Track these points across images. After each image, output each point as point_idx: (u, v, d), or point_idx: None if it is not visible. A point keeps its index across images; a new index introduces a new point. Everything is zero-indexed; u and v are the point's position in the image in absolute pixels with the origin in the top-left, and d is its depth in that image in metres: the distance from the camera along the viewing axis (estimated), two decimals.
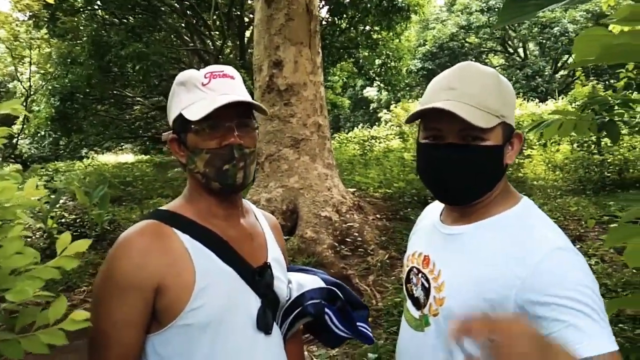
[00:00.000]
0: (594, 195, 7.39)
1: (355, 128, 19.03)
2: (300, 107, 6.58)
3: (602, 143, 8.29)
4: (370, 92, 24.74)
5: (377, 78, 15.13)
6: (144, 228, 1.13)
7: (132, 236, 1.11)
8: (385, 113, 17.43)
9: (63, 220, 6.90)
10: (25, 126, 14.85)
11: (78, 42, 12.44)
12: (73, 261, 0.89)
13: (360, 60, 14.10)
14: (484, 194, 1.09)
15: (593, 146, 8.46)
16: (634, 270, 4.51)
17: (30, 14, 12.86)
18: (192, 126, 1.13)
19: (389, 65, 14.62)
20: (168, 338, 1.08)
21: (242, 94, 1.17)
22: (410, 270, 1.21)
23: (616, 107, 2.25)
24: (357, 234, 6.04)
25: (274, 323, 1.23)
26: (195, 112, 1.11)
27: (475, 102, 1.02)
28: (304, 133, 6.58)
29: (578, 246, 5.55)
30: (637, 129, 2.09)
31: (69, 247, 0.90)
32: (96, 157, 19.57)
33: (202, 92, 1.14)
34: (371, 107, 24.82)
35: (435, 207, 1.31)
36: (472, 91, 1.03)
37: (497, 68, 22.98)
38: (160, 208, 1.22)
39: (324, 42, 11.57)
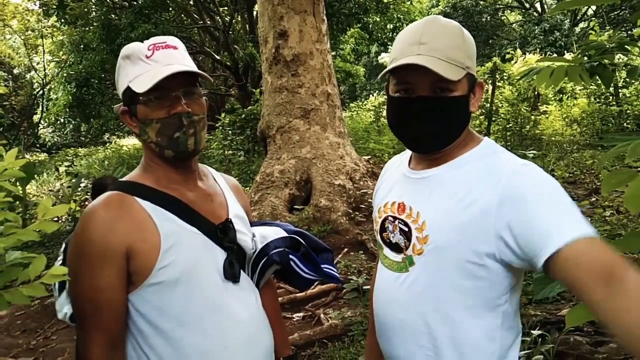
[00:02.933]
0: (611, 147, 7.23)
1: (371, 96, 18.84)
2: (308, 77, 6.57)
3: (621, 94, 8.07)
4: (386, 58, 24.35)
5: (390, 43, 14.87)
6: (107, 199, 1.19)
7: (97, 208, 1.18)
8: None
9: (86, 202, 7.12)
10: (45, 114, 15.15)
11: (89, 27, 12.55)
12: (53, 225, 0.95)
13: (370, 26, 13.87)
14: (453, 141, 1.16)
15: (611, 98, 8.24)
16: None
17: (40, 2, 12.97)
18: (140, 98, 1.18)
19: (401, 29, 14.33)
20: (143, 296, 1.17)
21: (186, 64, 1.20)
22: (385, 219, 1.26)
23: (612, 51, 2.21)
24: (371, 200, 6.05)
25: (244, 273, 1.31)
26: (141, 84, 1.15)
27: (445, 55, 1.07)
28: (314, 103, 6.58)
29: (594, 199, 5.49)
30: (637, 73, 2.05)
31: (49, 211, 0.96)
32: (118, 141, 19.92)
33: (146, 64, 1.18)
34: (385, 93, 24.50)
35: (398, 161, 1.36)
36: (441, 45, 1.08)
37: (513, 25, 22.34)
38: (121, 179, 1.30)
39: (332, 9, 11.41)
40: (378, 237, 1.31)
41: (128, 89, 1.19)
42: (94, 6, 12.80)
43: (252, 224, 1.46)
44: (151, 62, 1.19)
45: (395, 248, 1.22)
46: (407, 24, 14.08)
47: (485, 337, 1.11)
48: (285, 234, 1.47)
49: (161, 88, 1.15)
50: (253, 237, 1.40)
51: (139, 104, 1.20)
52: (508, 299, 1.12)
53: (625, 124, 7.77)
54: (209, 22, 14.75)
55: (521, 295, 3.25)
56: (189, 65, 1.22)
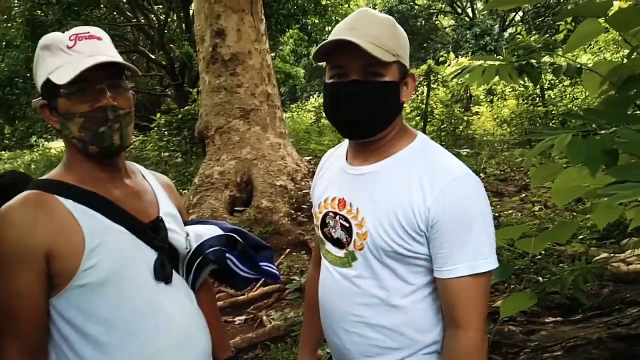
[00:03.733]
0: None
1: (312, 97, 18.91)
2: (247, 77, 6.48)
3: (546, 95, 8.54)
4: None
5: None
6: (26, 199, 1.12)
7: (14, 208, 1.10)
8: None
9: None
10: None
11: (12, 23, 11.80)
12: None
13: (309, 27, 13.92)
14: (384, 128, 1.18)
15: (537, 99, 8.71)
16: (574, 214, 4.73)
17: None
18: (62, 90, 1.11)
19: None
20: (67, 300, 1.10)
21: (111, 55, 1.15)
22: (326, 215, 1.27)
23: (538, 51, 2.30)
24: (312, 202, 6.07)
25: (177, 274, 1.26)
26: (62, 76, 1.09)
27: (375, 39, 1.11)
28: (253, 103, 6.50)
29: (523, 194, 5.77)
30: (566, 74, 2.15)
31: None
32: (46, 144, 18.84)
33: (67, 54, 1.12)
34: (322, 80, 24.68)
35: (335, 155, 1.38)
36: (371, 31, 1.12)
37: (447, 29, 23.16)
38: (41, 178, 1.21)
39: (270, 9, 11.34)
40: (319, 232, 1.31)
41: (48, 81, 1.12)
42: (16, 1, 12.05)
43: (187, 223, 1.40)
44: (73, 52, 1.11)
45: (337, 243, 1.24)
46: None
47: (429, 318, 1.19)
48: (222, 232, 1.42)
49: (84, 80, 1.09)
50: (187, 236, 1.34)
51: (59, 97, 1.12)
52: None
53: (551, 124, 8.23)
54: (142, 20, 14.25)
55: None
56: (114, 56, 1.15)
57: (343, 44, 1.08)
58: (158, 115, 9.94)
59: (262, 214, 5.79)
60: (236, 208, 6.06)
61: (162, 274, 1.19)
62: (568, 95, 8.67)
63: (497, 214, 5.04)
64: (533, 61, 2.08)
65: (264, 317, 3.86)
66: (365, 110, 1.15)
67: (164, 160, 9.03)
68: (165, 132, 9.35)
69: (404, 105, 1.26)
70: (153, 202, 1.28)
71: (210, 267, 1.39)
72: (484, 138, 8.87)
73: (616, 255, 3.19)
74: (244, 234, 1.47)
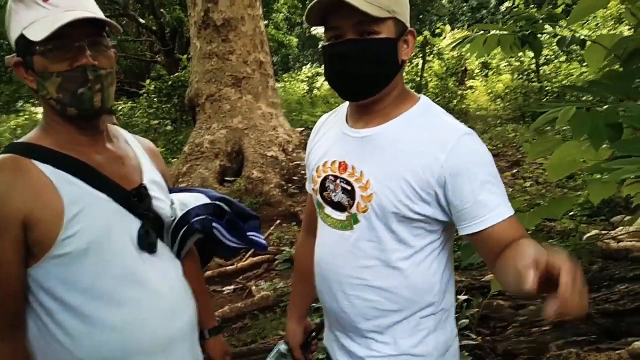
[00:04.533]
0: (532, 122, 7.62)
1: (304, 67, 18.66)
2: (240, 43, 6.33)
3: (541, 71, 8.47)
4: (319, 29, 24.13)
5: None
6: (0, 164, 1.05)
7: None
8: None
9: None
10: None
11: None
12: None
13: None
14: (383, 87, 1.16)
15: (532, 74, 8.64)
16: (565, 190, 4.74)
17: None
18: (37, 47, 1.02)
19: None
20: (46, 270, 1.05)
21: (91, 10, 1.06)
22: (326, 178, 1.25)
23: (541, 22, 2.24)
24: (304, 172, 5.98)
25: (162, 242, 1.21)
26: (38, 32, 1.00)
27: (381, 1, 1.08)
28: (245, 71, 6.37)
29: (515, 170, 5.76)
30: (569, 45, 2.09)
31: None
32: (33, 109, 18.46)
33: (44, 8, 1.03)
34: (320, 46, 24.35)
35: (332, 118, 1.35)
36: None
37: (443, 1, 22.79)
38: (16, 141, 1.14)
39: None
40: (318, 197, 1.28)
41: (22, 36, 1.03)
42: None
43: (172, 190, 1.34)
44: (49, 6, 1.03)
45: (338, 207, 1.23)
46: None
47: (427, 280, 1.20)
48: (208, 201, 1.37)
49: (62, 37, 1.00)
50: (172, 204, 1.29)
51: (35, 54, 1.04)
52: (444, 242, 1.21)
53: (545, 100, 8.19)
54: None
55: None
56: (95, 11, 1.07)
57: (333, 3, 1.06)
58: (147, 81, 9.75)
59: (253, 185, 5.74)
60: (226, 178, 6.01)
61: (146, 243, 1.14)
62: (563, 72, 8.61)
63: None
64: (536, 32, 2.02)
65: (253, 287, 3.85)
66: (361, 68, 1.12)
67: (153, 128, 8.90)
68: (155, 99, 9.19)
69: (404, 64, 1.22)
70: (136, 168, 1.22)
71: (196, 236, 1.34)
72: (477, 113, 8.82)
73: (607, 232, 3.19)
74: (231, 202, 1.43)
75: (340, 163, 1.22)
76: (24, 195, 1.02)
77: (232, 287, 4.02)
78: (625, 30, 7.84)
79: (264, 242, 1.47)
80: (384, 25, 1.10)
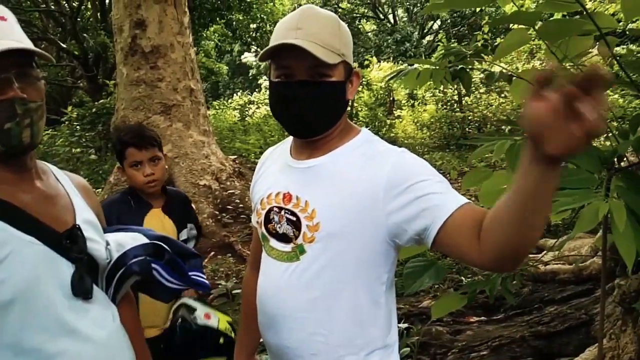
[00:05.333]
0: (457, 150, 8.01)
1: (235, 95, 18.57)
2: (169, 71, 6.19)
3: (464, 102, 8.95)
4: (249, 57, 24.13)
5: (253, 43, 14.81)
6: None
7: None
8: (265, 79, 17.19)
9: None
10: None
11: None
12: None
13: (234, 23, 13.66)
14: (332, 126, 1.19)
15: (455, 105, 9.11)
16: None
17: None
18: None
19: (264, 29, 14.34)
20: None
21: (18, 39, 1.00)
22: (270, 210, 1.24)
23: (469, 58, 2.35)
24: (238, 201, 5.93)
25: (97, 287, 1.12)
26: None
27: (320, 40, 1.10)
28: (175, 98, 6.22)
29: None
30: (498, 80, 2.20)
31: None
32: None
33: None
34: (250, 74, 24.32)
35: (277, 152, 1.36)
36: (316, 30, 1.11)
37: (369, 33, 23.71)
38: None
39: (193, 2, 10.98)
40: (262, 229, 1.27)
41: None
42: None
43: (105, 230, 1.25)
44: None
45: (283, 238, 1.21)
46: (270, 25, 14.22)
47: (375, 308, 1.18)
48: (147, 240, 1.28)
49: None
50: (107, 245, 1.20)
51: None
52: (391, 268, 1.20)
53: (467, 129, 8.65)
54: (53, 6, 13.28)
55: None
56: (22, 41, 0.99)
57: (289, 47, 1.08)
58: (70, 108, 9.28)
59: None
60: None
61: (80, 290, 1.05)
62: (483, 102, 9.15)
63: None
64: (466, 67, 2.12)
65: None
66: (313, 110, 1.14)
67: (76, 157, 8.43)
68: (78, 127, 8.74)
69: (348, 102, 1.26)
70: (68, 207, 1.13)
71: (134, 278, 1.26)
72: (406, 141, 9.13)
73: (535, 256, 3.36)
74: (171, 241, 1.35)
75: (284, 194, 1.22)
76: None
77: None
78: (537, 64, 8.49)
79: (206, 282, 1.40)
80: (335, 69, 1.13)
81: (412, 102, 10.61)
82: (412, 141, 9.38)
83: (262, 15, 13.94)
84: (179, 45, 6.27)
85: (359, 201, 1.11)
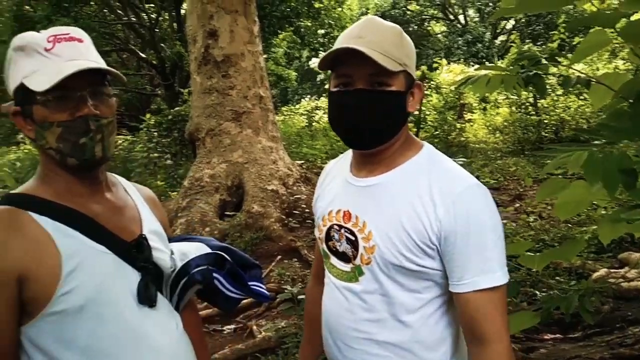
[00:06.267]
0: (532, 155, 7.64)
1: (303, 100, 18.83)
2: (240, 79, 6.38)
3: (539, 104, 8.54)
4: (317, 63, 24.44)
5: (321, 49, 14.94)
6: None
7: None
8: None
9: None
10: None
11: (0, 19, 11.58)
12: None
13: (302, 30, 13.85)
14: (390, 138, 1.16)
15: (530, 108, 8.71)
16: (569, 225, 4.69)
17: None
18: (38, 97, 1.01)
19: (332, 34, 14.44)
20: (42, 328, 1.00)
21: (93, 59, 1.06)
22: (331, 227, 1.23)
23: (544, 61, 2.24)
24: (304, 206, 5.99)
25: (161, 295, 1.17)
26: (39, 82, 0.99)
27: (381, 48, 1.08)
28: (246, 105, 6.40)
29: (517, 204, 5.73)
30: (574, 86, 2.09)
31: None
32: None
33: (45, 58, 1.02)
34: (318, 79, 24.63)
35: (338, 165, 1.34)
36: (378, 39, 1.10)
37: (438, 35, 23.23)
38: (13, 192, 1.11)
39: (263, 11, 11.25)
40: (323, 246, 1.26)
41: (22, 86, 1.02)
42: None
43: (171, 240, 1.31)
44: (51, 55, 1.02)
45: (343, 257, 1.21)
46: (338, 30, 14.30)
47: (437, 335, 1.16)
48: (209, 250, 1.33)
49: (64, 87, 0.99)
50: (172, 254, 1.25)
51: (35, 104, 1.02)
52: (450, 296, 1.16)
53: (543, 133, 8.23)
54: (133, 18, 14.09)
55: None
56: (96, 60, 1.06)
57: (349, 52, 1.06)
58: (148, 115, 9.79)
59: (253, 219, 5.68)
60: (226, 212, 5.95)
61: (146, 297, 1.10)
62: (561, 105, 8.68)
63: None
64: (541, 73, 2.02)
65: (254, 327, 3.75)
66: (371, 120, 1.12)
67: (153, 162, 8.87)
68: (155, 133, 9.20)
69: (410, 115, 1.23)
70: (136, 218, 1.19)
71: (197, 287, 1.31)
72: (477, 146, 8.84)
73: (616, 271, 3.13)
74: (232, 251, 1.40)
75: (344, 212, 1.21)
76: (20, 251, 0.98)
77: (232, 326, 3.91)
78: (620, 63, 7.95)
79: (266, 292, 1.43)
80: (396, 78, 1.11)
81: (483, 105, 10.26)
82: (483, 145, 9.07)
83: (329, 21, 14.04)
84: (249, 54, 6.44)
85: (413, 227, 1.10)
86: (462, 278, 1.07)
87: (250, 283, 1.38)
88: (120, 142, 10.17)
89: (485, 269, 1.06)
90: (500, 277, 1.07)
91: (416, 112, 9.38)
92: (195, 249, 1.32)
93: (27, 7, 11.20)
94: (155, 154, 9.05)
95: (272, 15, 12.23)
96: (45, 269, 0.98)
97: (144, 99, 15.63)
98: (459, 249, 1.07)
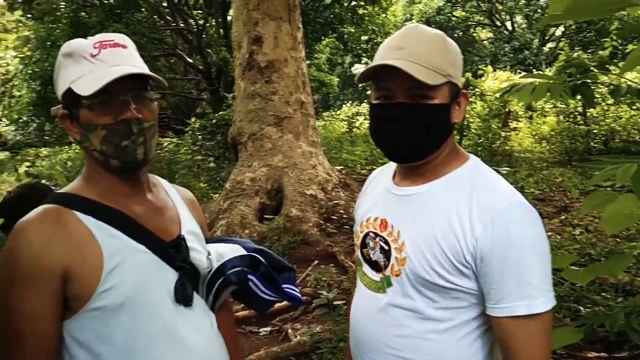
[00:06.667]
0: (579, 166, 7.38)
1: (344, 106, 18.88)
2: (282, 84, 6.46)
3: (588, 114, 8.25)
4: (359, 69, 24.43)
5: (364, 55, 14.94)
6: (43, 214, 1.07)
7: (30, 224, 1.05)
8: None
9: None
10: (6, 112, 14.56)
11: (57, 24, 12.14)
12: None
13: (345, 36, 13.90)
14: (433, 152, 1.12)
15: (579, 117, 8.42)
16: (617, 240, 4.51)
17: None
18: (84, 101, 1.06)
19: (375, 41, 14.42)
20: (82, 323, 1.05)
21: (136, 64, 1.10)
22: (367, 235, 1.21)
23: (592, 70, 2.18)
24: (342, 212, 5.99)
25: (197, 295, 1.20)
26: (86, 87, 1.04)
27: (423, 60, 1.05)
28: (287, 111, 6.47)
29: (563, 217, 5.54)
30: (624, 95, 2.02)
31: None
32: None
33: (91, 63, 1.07)
34: (360, 85, 24.63)
35: (383, 173, 1.31)
36: (419, 50, 1.06)
37: (484, 42, 22.82)
38: (59, 191, 1.16)
39: (307, 17, 11.36)
40: (358, 253, 1.25)
41: (69, 90, 1.07)
42: (62, 3, 12.40)
43: (208, 241, 1.34)
44: (97, 61, 1.07)
45: (375, 266, 1.18)
46: (381, 36, 14.26)
47: (468, 348, 1.10)
48: (244, 252, 1.36)
49: (108, 91, 1.04)
50: (208, 255, 1.28)
51: (81, 107, 1.07)
52: (485, 318, 1.10)
53: (592, 143, 7.95)
54: (182, 24, 14.50)
55: None
56: (140, 66, 1.10)
57: (387, 67, 1.04)
58: (193, 119, 10.04)
59: (291, 223, 5.72)
60: (265, 215, 6.02)
61: (182, 297, 1.13)
62: (611, 114, 8.35)
63: None
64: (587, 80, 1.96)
65: (290, 330, 3.77)
66: (411, 134, 1.09)
67: (197, 164, 9.09)
68: (199, 136, 9.43)
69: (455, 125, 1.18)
70: (175, 219, 1.22)
71: (232, 288, 1.34)
72: (522, 155, 8.62)
73: None
74: (267, 254, 1.42)
75: (381, 220, 1.18)
76: (65, 248, 1.02)
77: (268, 328, 3.95)
78: None
79: (299, 295, 1.44)
80: (439, 90, 1.06)
81: (529, 113, 9.99)
82: (529, 155, 8.84)
83: (373, 28, 14.04)
84: (292, 60, 6.51)
85: (447, 244, 1.04)
86: (499, 302, 1.02)
87: (284, 286, 1.40)
88: (165, 144, 10.47)
89: (523, 294, 0.99)
90: (540, 304, 1.00)
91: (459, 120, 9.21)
92: (231, 251, 1.35)
93: (83, 13, 11.71)
94: (199, 157, 9.28)
95: (316, 21, 12.34)
96: (87, 267, 1.02)
97: (190, 103, 16.03)
98: (495, 270, 1.01)
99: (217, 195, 6.79)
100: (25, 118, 14.54)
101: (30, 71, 12.67)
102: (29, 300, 1.00)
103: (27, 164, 11.42)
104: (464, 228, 1.03)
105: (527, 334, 1.00)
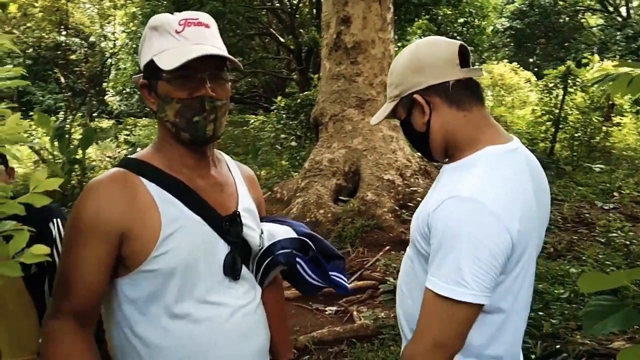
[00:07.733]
0: None
1: None
2: (367, 66, 6.39)
3: None
4: None
5: (458, 37, 14.36)
6: (112, 176, 1.14)
7: (99, 183, 1.12)
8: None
9: None
10: (112, 83, 15.70)
11: (160, 1, 12.82)
12: (43, 198, 0.88)
13: (440, 18, 13.42)
14: (430, 154, 1.27)
15: None
16: None
17: None
18: (164, 74, 1.11)
19: (472, 23, 13.81)
20: (135, 282, 1.11)
21: (216, 45, 1.14)
22: None
23: None
24: (420, 199, 5.84)
25: (246, 269, 1.24)
26: (167, 62, 1.08)
27: (389, 94, 1.27)
28: (370, 93, 6.40)
29: None
30: None
31: (41, 184, 0.89)
32: None
33: (175, 39, 1.11)
34: None
35: None
36: (388, 84, 1.27)
37: (594, 28, 21.05)
38: (130, 156, 1.23)
39: None
40: None
41: (151, 62, 1.12)
42: None
43: (263, 219, 1.38)
44: (180, 38, 1.11)
45: None
46: (479, 19, 13.58)
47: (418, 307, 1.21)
48: (295, 235, 1.39)
49: (187, 68, 1.08)
50: (261, 233, 1.32)
51: (161, 80, 1.13)
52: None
53: None
54: (277, 3, 14.75)
55: (570, 320, 2.96)
56: (220, 47, 1.14)
57: None
58: (279, 98, 10.25)
59: (366, 207, 5.70)
60: (341, 197, 6.05)
61: (230, 270, 1.18)
62: None
63: (627, 242, 4.45)
64: None
65: (355, 313, 3.79)
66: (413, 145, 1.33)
67: (280, 142, 9.29)
68: (284, 115, 9.61)
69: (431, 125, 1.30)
70: (233, 195, 1.27)
71: (280, 267, 1.37)
72: (624, 153, 7.91)
73: None
74: (318, 240, 1.44)
75: None
76: (127, 210, 1.09)
77: (334, 308, 4.00)
78: None
79: (346, 284, 1.45)
80: (397, 113, 1.26)
81: (637, 108, 9.12)
82: (632, 153, 8.11)
83: (470, 10, 13.43)
84: (380, 41, 6.41)
85: (422, 216, 1.17)
86: (429, 272, 1.11)
87: (331, 273, 1.42)
88: (252, 121, 10.79)
89: (440, 273, 1.07)
90: (450, 290, 1.05)
91: (556, 111, 8.63)
92: (283, 232, 1.38)
93: None
94: (283, 135, 9.47)
95: (409, 2, 12.02)
96: (146, 230, 1.09)
97: (280, 82, 16.37)
98: (433, 245, 1.11)
99: (297, 174, 6.90)
100: (128, 90, 15.61)
101: (135, 45, 13.53)
102: (85, 249, 1.08)
103: (126, 132, 12.33)
104: (428, 206, 1.15)
105: (430, 307, 1.09)
